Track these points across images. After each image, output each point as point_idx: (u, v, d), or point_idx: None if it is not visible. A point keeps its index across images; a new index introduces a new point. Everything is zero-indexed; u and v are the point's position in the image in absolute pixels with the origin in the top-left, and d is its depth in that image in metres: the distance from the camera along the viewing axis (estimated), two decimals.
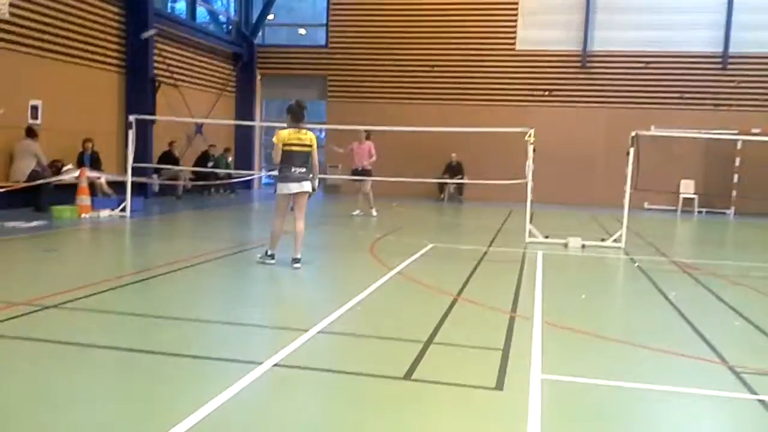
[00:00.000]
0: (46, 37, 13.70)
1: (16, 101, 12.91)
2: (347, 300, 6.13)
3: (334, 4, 22.21)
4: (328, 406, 3.83)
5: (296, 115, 7.81)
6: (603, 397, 4.07)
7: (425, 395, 3.94)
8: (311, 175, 7.85)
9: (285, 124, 7.95)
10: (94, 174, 13.49)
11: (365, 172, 14.51)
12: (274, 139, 7.82)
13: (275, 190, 7.98)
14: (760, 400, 4.01)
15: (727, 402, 4.06)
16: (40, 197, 12.30)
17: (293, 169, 7.69)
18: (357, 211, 14.51)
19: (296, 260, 7.74)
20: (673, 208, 19.58)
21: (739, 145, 18.88)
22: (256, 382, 3.97)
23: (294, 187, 7.74)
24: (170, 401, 3.68)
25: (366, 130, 14.64)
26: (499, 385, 4.10)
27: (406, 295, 6.87)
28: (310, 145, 7.79)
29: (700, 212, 19.34)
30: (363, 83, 22.00)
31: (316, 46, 22.67)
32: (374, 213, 14.35)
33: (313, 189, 8.06)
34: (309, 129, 7.92)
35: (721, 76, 19.97)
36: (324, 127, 22.07)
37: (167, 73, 17.89)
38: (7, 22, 11.84)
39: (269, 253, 7.91)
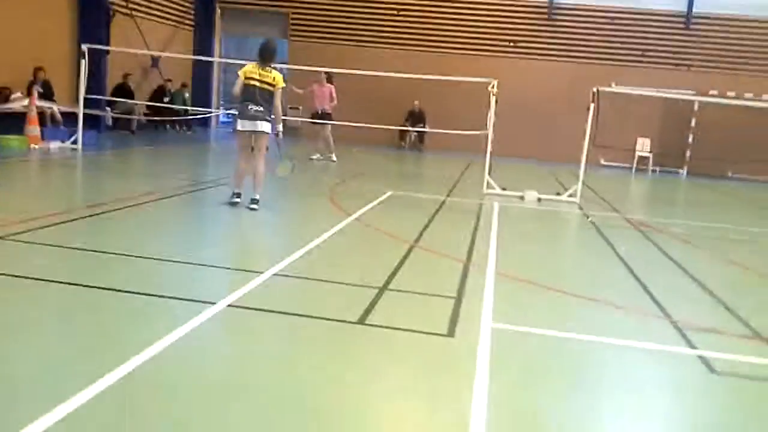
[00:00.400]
0: None
1: None
2: (304, 244, 6.10)
3: None
4: (281, 347, 3.83)
5: (263, 54, 7.59)
6: (550, 346, 4.17)
7: (378, 340, 3.98)
8: (271, 116, 7.67)
9: (241, 62, 7.79)
10: (44, 103, 12.99)
11: (325, 116, 14.35)
12: (239, 72, 7.64)
13: (233, 128, 7.83)
14: (699, 356, 4.16)
15: (668, 356, 4.20)
16: None
17: (250, 107, 7.48)
18: (316, 155, 14.38)
19: (253, 200, 7.62)
20: (629, 165, 19.94)
21: (695, 107, 19.23)
22: (210, 322, 3.95)
23: (247, 125, 7.55)
24: (120, 338, 3.63)
25: (326, 72, 14.39)
26: (451, 332, 4.16)
27: (363, 241, 6.88)
28: (273, 85, 7.57)
29: (654, 171, 19.75)
30: (326, 24, 21.49)
31: None
32: (334, 158, 14.24)
33: (277, 133, 7.92)
34: (277, 70, 7.71)
35: (683, 35, 20.13)
36: (285, 66, 21.55)
37: (122, 2, 17.15)
38: None
39: (234, 191, 7.77)
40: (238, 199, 7.71)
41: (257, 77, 7.50)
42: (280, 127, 7.97)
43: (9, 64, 13.17)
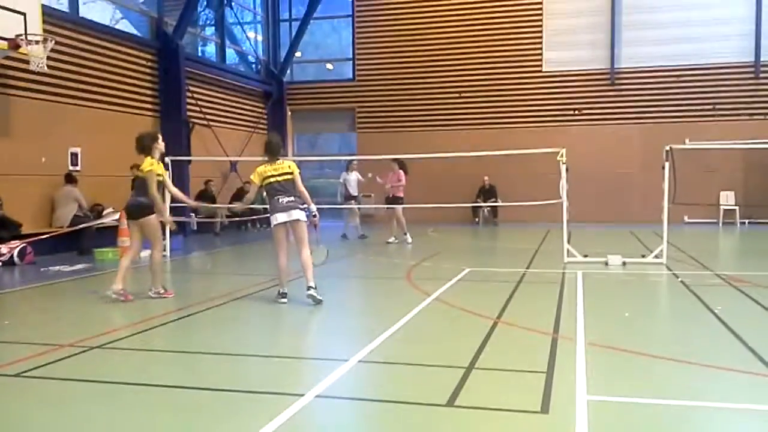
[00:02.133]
0: (82, 86, 14.16)
1: (56, 149, 13.31)
2: (386, 328, 6.11)
3: (360, 37, 22.55)
4: None
5: (270, 152, 7.69)
6: (651, 416, 3.97)
7: (469, 421, 3.89)
8: (303, 204, 7.59)
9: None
10: None
11: (395, 200, 14.79)
12: (251, 176, 7.75)
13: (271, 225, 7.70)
14: None
15: None
16: (82, 241, 12.58)
17: (280, 199, 7.48)
18: (392, 239, 14.65)
19: (310, 288, 7.43)
20: (714, 220, 19.18)
21: None
22: (300, 414, 3.97)
23: (282, 217, 7.48)
24: None
25: (395, 159, 14.84)
26: (545, 409, 4.03)
27: (445, 320, 6.83)
28: (290, 173, 7.58)
29: (742, 223, 18.90)
30: (391, 113, 22.18)
31: (344, 80, 23.00)
32: (409, 239, 14.41)
33: (314, 215, 7.81)
34: (288, 160, 7.80)
35: (754, 85, 19.65)
36: (356, 158, 22.25)
37: (200, 115, 18.29)
38: (44, 74, 12.28)
39: (281, 291, 7.66)
40: (284, 300, 7.59)
41: (273, 173, 7.57)
42: (314, 208, 7.82)
43: (100, 181, 14.13)
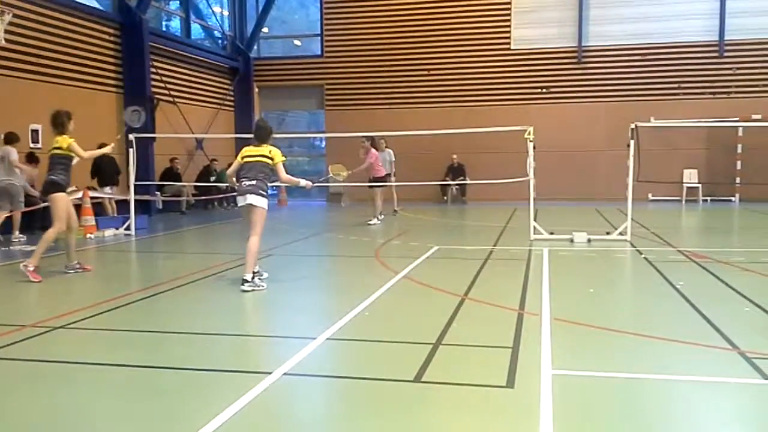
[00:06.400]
0: (43, 61, 13.78)
1: (16, 126, 12.93)
2: (355, 305, 6.12)
3: (328, 13, 22.29)
4: (340, 411, 3.82)
5: (256, 137, 7.56)
6: (615, 389, 4.05)
7: (436, 396, 3.92)
8: (265, 191, 7.31)
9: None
10: (101, 194, 13.65)
11: (376, 180, 14.19)
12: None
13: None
14: None
15: (740, 388, 4.03)
16: (36, 220, 12.28)
17: (243, 182, 7.30)
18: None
19: (244, 281, 7.02)
20: (678, 198, 19.55)
21: (740, 132, 18.89)
22: (267, 392, 3.96)
23: (240, 200, 7.40)
24: (183, 414, 3.68)
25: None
26: (510, 383, 4.09)
27: (413, 297, 6.86)
28: (268, 157, 7.33)
29: (704, 201, 19.31)
30: (360, 90, 22.05)
31: (312, 56, 22.76)
32: (376, 222, 14.00)
33: (302, 187, 7.88)
34: (273, 146, 7.55)
35: (718, 64, 19.95)
36: (323, 135, 22.18)
37: (165, 91, 17.96)
38: (3, 48, 11.91)
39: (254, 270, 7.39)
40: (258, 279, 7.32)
41: (251, 153, 7.43)
42: (303, 183, 7.84)
43: None
